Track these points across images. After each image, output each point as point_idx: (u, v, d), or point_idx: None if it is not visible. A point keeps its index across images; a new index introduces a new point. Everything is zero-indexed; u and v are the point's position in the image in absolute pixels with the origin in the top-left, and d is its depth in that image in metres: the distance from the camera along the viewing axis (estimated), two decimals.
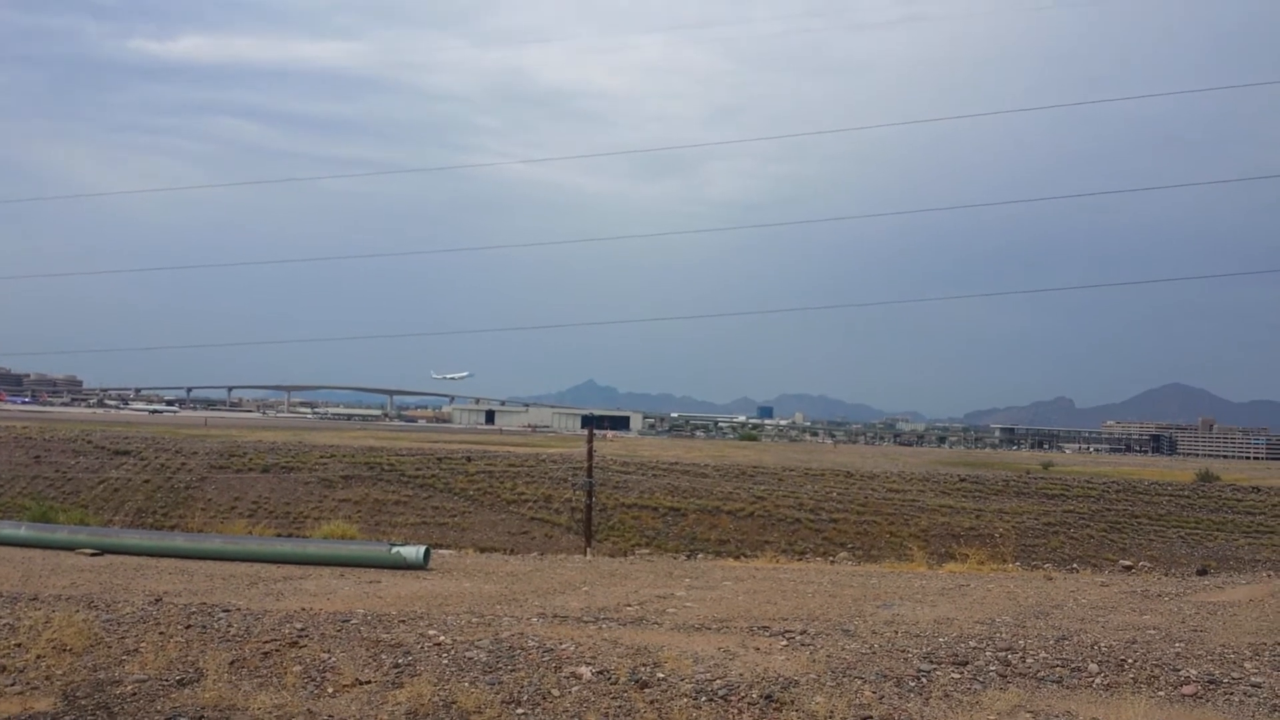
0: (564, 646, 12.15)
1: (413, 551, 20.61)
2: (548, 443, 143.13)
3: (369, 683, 10.61)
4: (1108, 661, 11.85)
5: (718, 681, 10.61)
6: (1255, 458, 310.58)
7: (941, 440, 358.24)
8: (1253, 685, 10.88)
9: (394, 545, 21.13)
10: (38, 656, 11.34)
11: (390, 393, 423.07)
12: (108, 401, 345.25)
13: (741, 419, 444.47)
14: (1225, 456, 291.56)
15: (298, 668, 11.08)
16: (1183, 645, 13.00)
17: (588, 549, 51.27)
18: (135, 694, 10.15)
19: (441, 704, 9.84)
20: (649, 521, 75.17)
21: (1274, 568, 44.23)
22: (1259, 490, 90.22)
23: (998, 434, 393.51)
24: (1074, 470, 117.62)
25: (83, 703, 9.90)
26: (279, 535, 46.19)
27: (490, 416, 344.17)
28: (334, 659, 11.45)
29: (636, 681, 10.60)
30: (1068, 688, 10.77)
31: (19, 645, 11.83)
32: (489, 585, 18.39)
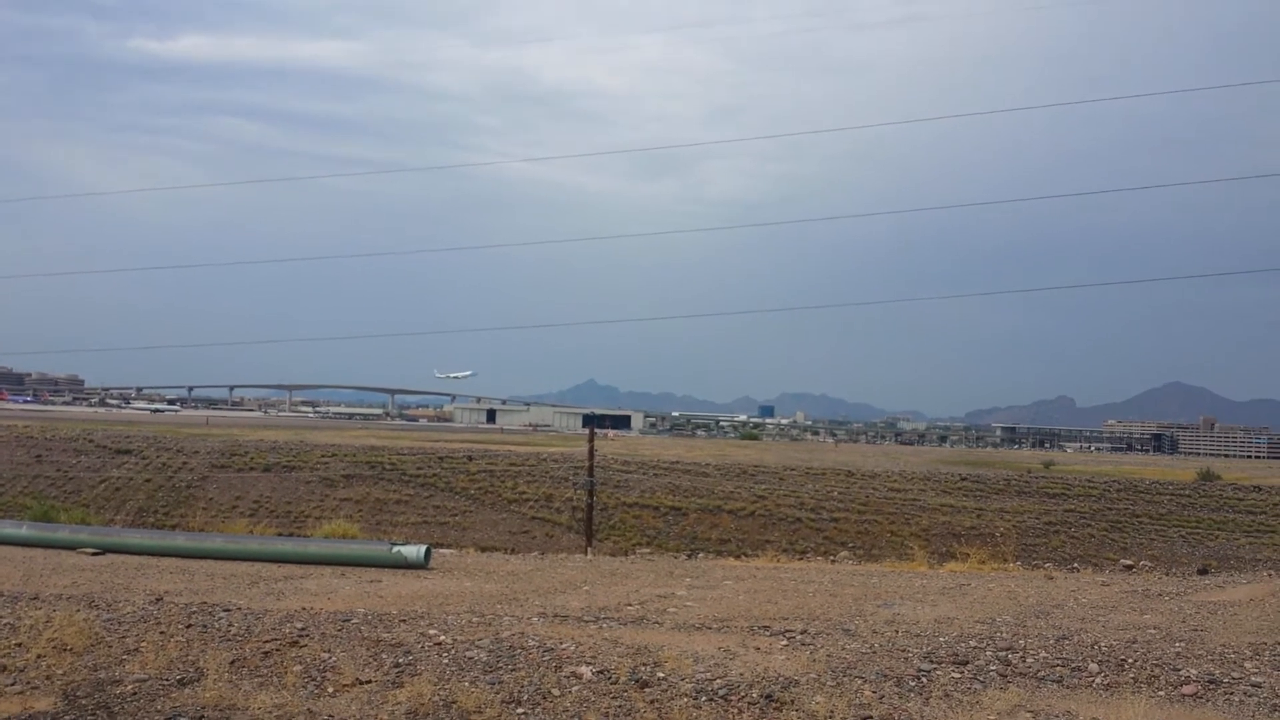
0: (564, 646, 12.15)
1: (413, 551, 20.61)
2: (549, 442, 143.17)
3: (369, 682, 10.61)
4: (1108, 661, 11.85)
5: (718, 681, 10.61)
6: (1256, 457, 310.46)
7: (942, 439, 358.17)
8: (1253, 685, 10.88)
9: (395, 545, 21.13)
10: (38, 656, 11.35)
11: (391, 392, 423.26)
12: (109, 401, 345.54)
13: (742, 418, 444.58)
14: (1226, 455, 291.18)
15: (298, 667, 11.09)
16: (1183, 645, 12.99)
17: (588, 548, 51.28)
18: (136, 693, 10.16)
19: (442, 703, 9.85)
20: (650, 521, 75.17)
21: (1275, 567, 44.21)
22: (1260, 489, 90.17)
23: (999, 433, 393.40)
24: (1075, 469, 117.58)
25: (83, 702, 9.90)
26: (280, 534, 46.24)
27: (491, 416, 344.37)
28: (334, 658, 11.46)
29: (637, 681, 10.60)
30: (1068, 687, 10.77)
31: (19, 645, 11.84)
32: (490, 585, 18.39)
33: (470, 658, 11.61)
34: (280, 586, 17.37)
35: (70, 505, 58.86)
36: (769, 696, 10.07)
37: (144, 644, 12.00)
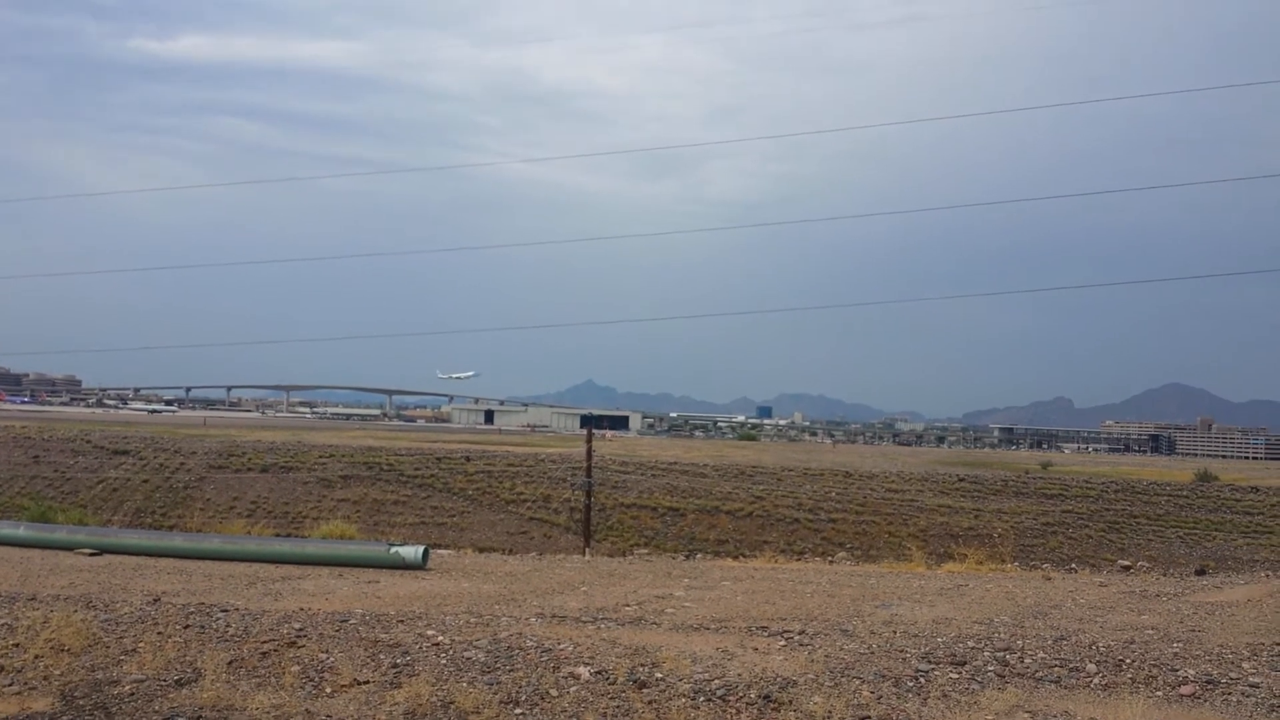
0: (562, 646, 12.15)
1: (411, 551, 20.60)
2: (547, 442, 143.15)
3: (367, 683, 10.61)
4: (1106, 661, 11.86)
5: (716, 681, 10.61)
6: (1254, 458, 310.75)
7: (940, 440, 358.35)
8: (1250, 685, 10.89)
9: (392, 545, 21.12)
10: (36, 656, 11.34)
11: (389, 392, 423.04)
12: (106, 401, 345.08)
13: (740, 419, 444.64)
14: (1224, 456, 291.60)
15: (296, 668, 11.08)
16: (1181, 645, 13.01)
17: (586, 549, 51.29)
18: (133, 694, 10.15)
19: (440, 704, 9.84)
20: (648, 521, 75.18)
21: (1272, 568, 44.24)
22: (1257, 490, 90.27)
23: (996, 434, 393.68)
24: (1073, 470, 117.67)
25: (80, 703, 9.89)
26: (277, 535, 46.17)
27: (489, 416, 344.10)
28: (332, 659, 11.45)
29: (635, 681, 10.60)
30: (1066, 688, 10.78)
31: (17, 645, 11.82)
32: (487, 585, 18.39)
33: (468, 658, 11.61)
34: (278, 587, 17.36)
35: (68, 506, 58.87)
36: (767, 697, 10.07)
37: (142, 644, 11.99)
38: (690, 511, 77.08)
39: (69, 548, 22.10)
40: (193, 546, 22.49)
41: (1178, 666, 11.66)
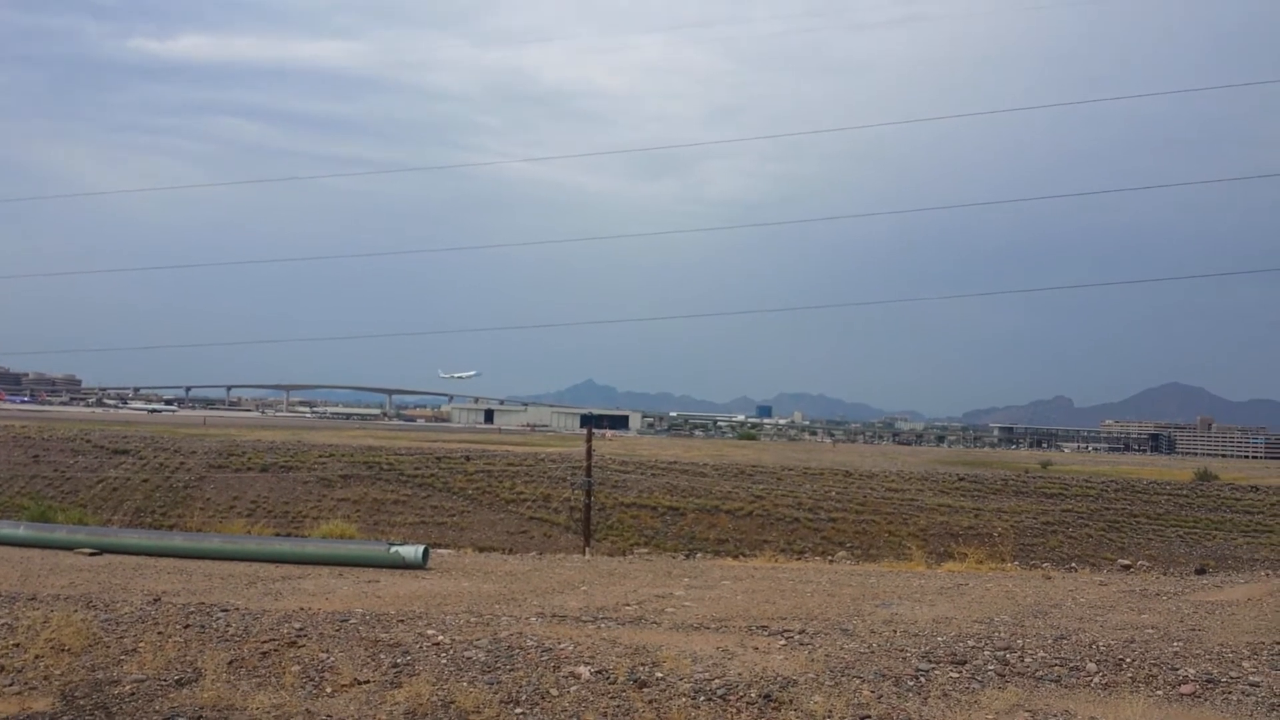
0: (562, 646, 12.15)
1: (411, 551, 20.59)
2: (546, 442, 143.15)
3: (367, 682, 10.61)
4: (1106, 660, 11.86)
5: (716, 681, 10.61)
6: (1254, 457, 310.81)
7: (940, 439, 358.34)
8: (1251, 684, 10.89)
9: (392, 545, 21.11)
10: (36, 656, 11.34)
11: (389, 392, 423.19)
12: (106, 401, 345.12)
13: (740, 418, 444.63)
14: (1224, 455, 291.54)
15: (296, 667, 11.08)
16: (1181, 644, 13.01)
17: (586, 548, 51.28)
18: (134, 694, 10.15)
19: (440, 703, 9.85)
20: (648, 521, 75.19)
21: (1272, 567, 44.28)
22: (1257, 489, 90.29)
23: (996, 433, 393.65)
24: (1072, 469, 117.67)
25: (81, 703, 9.89)
26: (277, 535, 46.19)
27: (489, 416, 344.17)
28: (332, 659, 11.45)
29: (635, 681, 10.60)
30: (1066, 687, 10.78)
31: (17, 645, 11.82)
32: (487, 585, 18.38)
33: (468, 658, 11.61)
34: (278, 587, 17.35)
35: (67, 505, 58.86)
36: (767, 696, 10.07)
37: (142, 644, 11.99)
38: (690, 511, 77.09)
39: (69, 547, 22.09)
40: (193, 546, 22.48)
41: (1178, 665, 11.66)
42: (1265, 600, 18.01)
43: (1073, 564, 51.43)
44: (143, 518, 72.16)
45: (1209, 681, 10.97)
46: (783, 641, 12.86)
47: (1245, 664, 11.87)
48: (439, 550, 27.53)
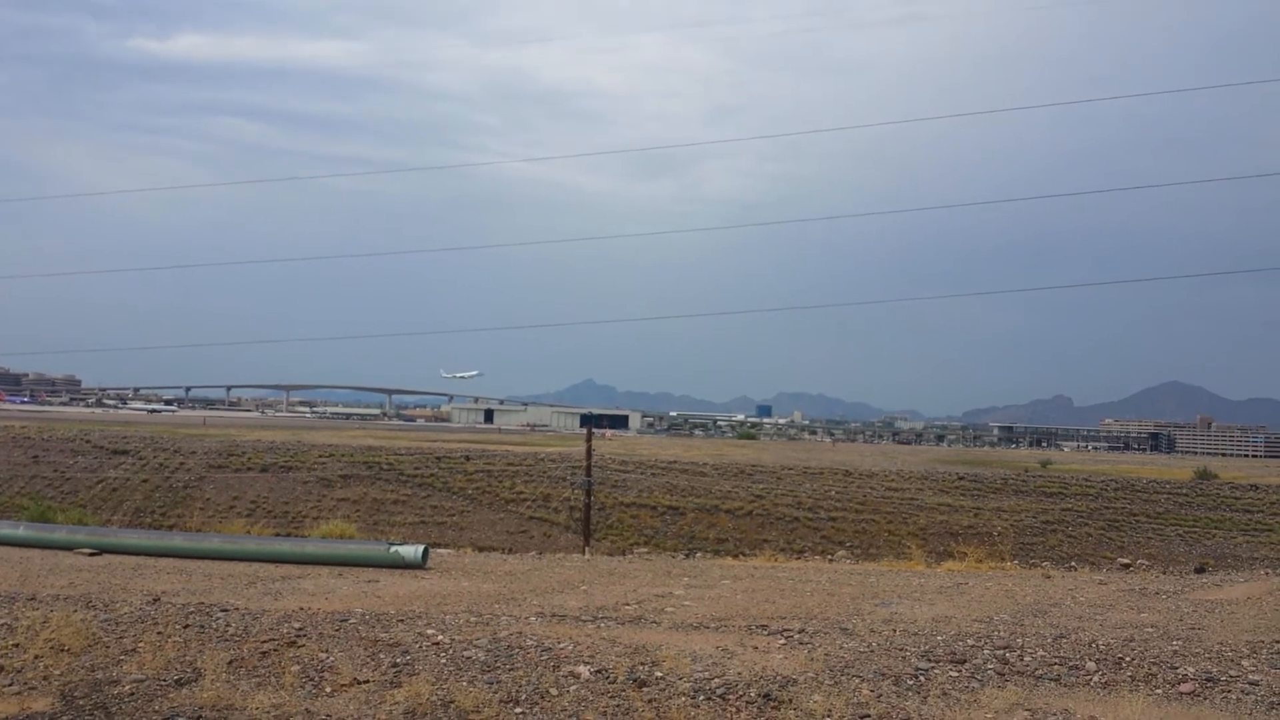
0: (562, 645, 12.15)
1: (411, 551, 20.59)
2: (546, 442, 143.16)
3: (367, 682, 10.61)
4: (1105, 659, 11.86)
5: (716, 680, 10.61)
6: (1253, 455, 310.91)
7: (940, 439, 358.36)
8: (1250, 683, 10.89)
9: (392, 544, 21.10)
10: (35, 656, 11.34)
11: (389, 392, 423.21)
12: (106, 401, 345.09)
13: (740, 417, 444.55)
14: (1223, 454, 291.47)
15: (296, 667, 11.08)
16: (1180, 643, 13.01)
17: (586, 548, 51.29)
18: (133, 694, 10.15)
19: (440, 703, 9.85)
20: (647, 520, 75.20)
21: (1272, 566, 44.27)
22: (1257, 488, 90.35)
23: (996, 432, 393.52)
24: (1072, 468, 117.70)
25: (80, 703, 9.89)
26: (277, 535, 46.18)
27: (489, 415, 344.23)
28: (332, 658, 11.45)
29: (635, 680, 10.60)
30: (1066, 686, 10.78)
31: (17, 645, 11.82)
32: (487, 584, 18.38)
33: (468, 657, 11.61)
34: (278, 587, 17.35)
35: (67, 505, 58.83)
36: (767, 695, 10.08)
37: (141, 644, 11.99)
38: (690, 510, 77.10)
39: (68, 547, 22.08)
40: (192, 546, 22.47)
41: (1177, 664, 11.66)
42: (1265, 599, 18.00)
43: (1072, 563, 51.45)
44: (142, 518, 72.17)
45: (1208, 680, 10.98)
46: (782, 641, 12.86)
47: (1245, 662, 11.87)
48: (439, 550, 27.52)
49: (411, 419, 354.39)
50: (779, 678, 10.71)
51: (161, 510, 74.32)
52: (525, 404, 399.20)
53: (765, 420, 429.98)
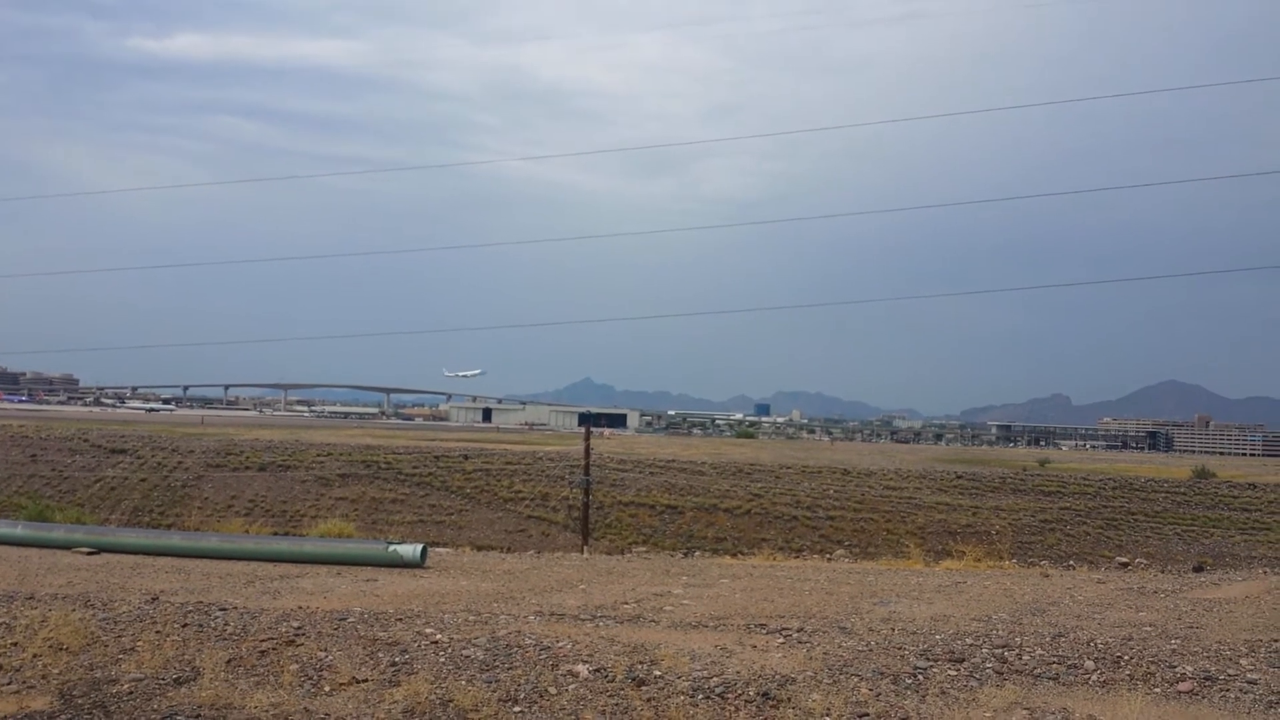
0: (561, 644, 12.15)
1: (410, 550, 20.60)
2: (545, 441, 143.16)
3: (366, 681, 10.61)
4: (1104, 658, 11.87)
5: (714, 679, 10.62)
6: (1251, 454, 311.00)
7: (938, 437, 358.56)
8: (1248, 682, 10.91)
9: (391, 543, 21.11)
10: (34, 655, 11.33)
11: (387, 391, 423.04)
12: (104, 400, 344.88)
13: (738, 416, 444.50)
14: (1221, 453, 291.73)
15: (294, 666, 11.08)
16: (1179, 642, 13.02)
17: (585, 547, 51.33)
18: (132, 693, 10.15)
19: (439, 702, 9.85)
20: (646, 519, 75.22)
21: (1270, 564, 44.35)
22: (1255, 487, 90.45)
23: (994, 431, 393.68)
24: (1070, 467, 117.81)
25: (79, 702, 9.89)
26: (276, 534, 46.21)
27: (487, 414, 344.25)
28: (331, 657, 11.45)
29: (633, 679, 10.61)
30: (1064, 684, 10.79)
31: (15, 644, 11.82)
32: (486, 583, 18.38)
33: (467, 656, 11.61)
34: (276, 585, 17.35)
35: (65, 504, 58.87)
36: (765, 694, 10.08)
37: (140, 643, 11.99)
38: (688, 509, 77.13)
39: (67, 546, 22.08)
40: (191, 545, 22.48)
41: (1175, 663, 11.68)
42: (1263, 598, 18.03)
43: (1070, 562, 51.52)
44: (140, 517, 72.14)
45: (1207, 679, 10.99)
46: (781, 639, 12.87)
47: (1243, 661, 11.89)
48: (437, 549, 27.53)
49: (409, 418, 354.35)
50: (777, 676, 10.72)
51: (160, 509, 74.29)
52: (523, 403, 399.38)
53: (763, 419, 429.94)
